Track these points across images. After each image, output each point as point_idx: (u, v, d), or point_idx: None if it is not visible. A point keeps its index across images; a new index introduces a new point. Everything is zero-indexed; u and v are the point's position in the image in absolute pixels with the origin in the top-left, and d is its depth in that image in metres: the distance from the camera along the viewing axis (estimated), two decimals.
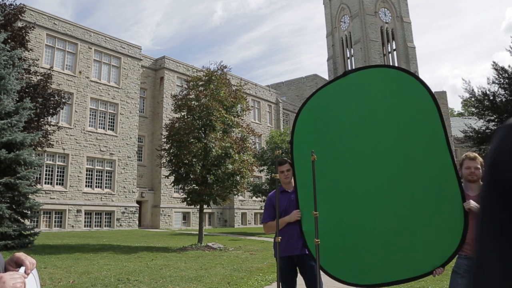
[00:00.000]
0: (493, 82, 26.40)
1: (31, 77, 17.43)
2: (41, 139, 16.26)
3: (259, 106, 40.63)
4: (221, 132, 15.08)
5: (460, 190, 2.99)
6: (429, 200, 2.97)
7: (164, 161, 15.50)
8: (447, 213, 2.96)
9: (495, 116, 25.79)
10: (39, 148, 17.73)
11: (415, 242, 2.97)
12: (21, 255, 1.37)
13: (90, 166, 26.56)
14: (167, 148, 15.22)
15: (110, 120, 28.31)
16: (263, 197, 27.42)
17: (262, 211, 17.85)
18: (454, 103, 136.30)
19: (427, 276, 3.02)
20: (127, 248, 13.29)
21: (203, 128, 15.08)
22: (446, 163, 2.97)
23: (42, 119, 16.84)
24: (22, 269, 1.30)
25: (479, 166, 3.36)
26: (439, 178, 2.98)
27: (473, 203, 3.07)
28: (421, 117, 3.04)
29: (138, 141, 30.20)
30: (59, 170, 24.96)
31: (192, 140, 14.28)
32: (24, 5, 18.70)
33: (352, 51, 52.70)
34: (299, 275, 3.88)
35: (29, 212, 13.12)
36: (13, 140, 12.10)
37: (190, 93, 15.78)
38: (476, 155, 3.41)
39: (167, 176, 16.76)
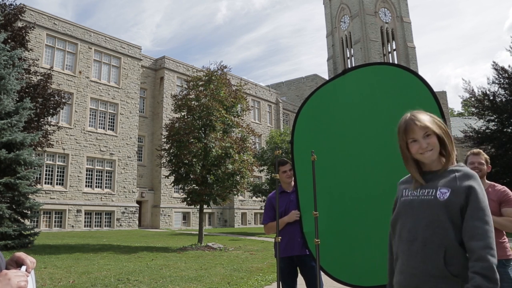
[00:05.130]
0: (493, 82, 26.44)
1: (31, 77, 17.42)
2: (41, 139, 16.26)
3: (259, 106, 40.63)
4: (221, 132, 15.07)
5: None
6: None
7: (164, 161, 15.50)
8: None
9: (495, 116, 25.80)
10: (39, 148, 17.73)
11: None
12: (21, 254, 1.38)
13: (90, 166, 26.56)
14: (167, 148, 15.22)
15: (110, 120, 28.31)
16: (263, 197, 27.42)
17: (262, 211, 17.83)
18: (456, 103, 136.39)
19: None
20: (127, 248, 13.29)
21: (203, 128, 15.07)
22: None
23: (42, 119, 16.83)
24: (23, 268, 1.31)
25: (483, 162, 3.31)
26: None
27: None
28: None
29: (138, 141, 30.20)
30: (59, 170, 24.96)
31: (192, 140, 14.27)
32: (24, 5, 18.70)
33: (352, 51, 52.69)
34: (299, 275, 3.88)
35: (29, 212, 13.11)
36: (13, 140, 12.09)
37: (190, 93, 15.77)
38: (480, 151, 3.36)
39: (167, 176, 16.76)
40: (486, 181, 3.32)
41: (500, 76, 26.05)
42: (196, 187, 14.73)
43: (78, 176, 25.60)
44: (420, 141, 1.73)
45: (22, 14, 18.22)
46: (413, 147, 1.75)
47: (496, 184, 3.30)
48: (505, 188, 3.26)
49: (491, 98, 25.98)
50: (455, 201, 1.61)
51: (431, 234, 1.60)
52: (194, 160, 14.31)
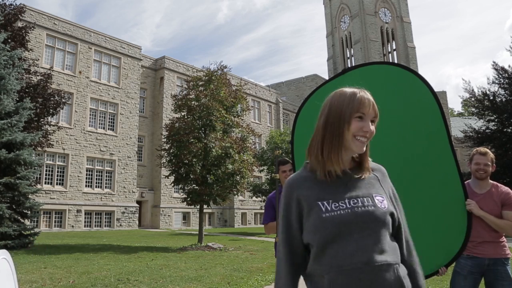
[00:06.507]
0: (493, 82, 26.41)
1: (31, 77, 17.42)
2: (41, 139, 16.25)
3: (259, 106, 40.62)
4: (221, 132, 15.07)
5: (462, 189, 2.96)
6: (431, 199, 2.94)
7: (164, 161, 15.50)
8: (450, 212, 2.93)
9: (495, 116, 25.77)
10: (39, 148, 17.73)
11: (418, 243, 2.94)
12: None
13: (90, 166, 26.55)
14: (167, 148, 15.22)
15: (110, 120, 28.31)
16: (263, 197, 27.42)
17: (262, 211, 17.70)
18: (456, 103, 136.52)
19: (430, 277, 3.00)
20: (127, 248, 13.29)
21: (203, 128, 15.07)
22: (448, 162, 2.94)
23: (42, 119, 16.84)
24: None
25: (489, 163, 3.21)
26: (442, 177, 2.94)
27: (473, 205, 3.00)
28: (423, 115, 3.01)
29: (138, 141, 30.19)
30: (59, 170, 24.96)
31: (192, 140, 14.28)
32: (24, 5, 18.70)
33: (352, 51, 52.69)
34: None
35: (29, 212, 13.11)
36: (13, 140, 12.09)
37: (190, 93, 15.78)
38: (488, 150, 3.24)
39: (167, 176, 16.75)
40: (490, 181, 3.28)
41: (500, 76, 26.03)
42: (196, 187, 14.73)
43: (78, 176, 25.59)
44: (368, 122, 1.39)
45: (22, 14, 18.23)
46: (355, 124, 1.37)
47: (500, 185, 3.24)
48: (509, 190, 3.20)
49: (491, 98, 25.95)
50: (391, 208, 1.37)
51: (382, 254, 1.27)
52: (194, 160, 14.31)
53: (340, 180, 1.38)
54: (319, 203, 1.33)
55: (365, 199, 1.34)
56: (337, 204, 1.32)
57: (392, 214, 1.36)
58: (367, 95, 1.45)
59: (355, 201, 1.33)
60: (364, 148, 1.39)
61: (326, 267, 1.29)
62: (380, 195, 1.38)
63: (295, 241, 1.36)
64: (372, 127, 1.39)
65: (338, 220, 1.29)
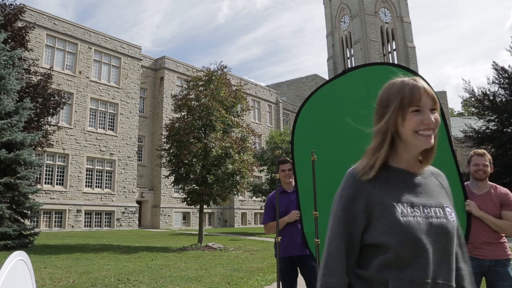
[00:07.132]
0: (493, 82, 26.41)
1: (31, 77, 17.42)
2: (41, 139, 16.25)
3: (259, 106, 40.61)
4: (221, 132, 15.07)
5: (462, 189, 2.96)
6: None
7: (164, 161, 15.50)
8: None
9: (495, 116, 25.77)
10: (39, 148, 17.73)
11: None
12: None
13: (90, 166, 26.55)
14: (167, 148, 15.22)
15: (110, 120, 28.30)
16: (263, 197, 27.41)
17: (262, 211, 17.58)
18: (456, 103, 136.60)
19: None
20: (127, 248, 13.29)
21: (203, 128, 15.07)
22: (448, 162, 2.94)
23: (42, 119, 16.85)
24: None
25: (487, 163, 3.26)
26: None
27: (472, 206, 3.01)
28: None
29: (138, 141, 30.19)
30: (59, 170, 24.96)
31: (192, 140, 14.28)
32: (24, 5, 18.71)
33: (352, 51, 52.68)
34: (300, 275, 3.88)
35: (29, 212, 13.11)
36: (13, 140, 12.10)
37: (190, 93, 15.78)
38: (485, 151, 3.30)
39: (167, 176, 16.75)
40: (489, 182, 3.30)
41: (500, 76, 26.03)
42: (196, 187, 14.73)
43: (78, 176, 25.59)
44: (427, 112, 1.23)
45: (22, 14, 18.23)
46: (413, 118, 1.23)
47: (498, 186, 3.29)
48: (507, 191, 3.25)
49: (491, 98, 25.95)
50: (457, 222, 1.27)
51: (447, 273, 1.21)
52: (194, 160, 14.30)
53: (407, 183, 1.28)
54: (395, 204, 1.21)
55: (437, 209, 1.25)
56: (412, 209, 1.21)
57: (458, 229, 1.28)
58: (418, 82, 1.27)
59: (429, 210, 1.23)
60: (432, 141, 1.24)
61: (394, 274, 1.18)
62: (449, 206, 1.29)
63: (356, 236, 1.22)
64: (434, 116, 1.24)
65: (417, 227, 1.18)
